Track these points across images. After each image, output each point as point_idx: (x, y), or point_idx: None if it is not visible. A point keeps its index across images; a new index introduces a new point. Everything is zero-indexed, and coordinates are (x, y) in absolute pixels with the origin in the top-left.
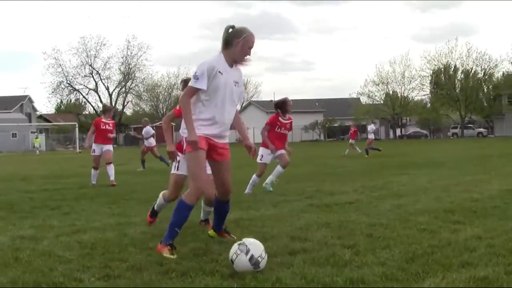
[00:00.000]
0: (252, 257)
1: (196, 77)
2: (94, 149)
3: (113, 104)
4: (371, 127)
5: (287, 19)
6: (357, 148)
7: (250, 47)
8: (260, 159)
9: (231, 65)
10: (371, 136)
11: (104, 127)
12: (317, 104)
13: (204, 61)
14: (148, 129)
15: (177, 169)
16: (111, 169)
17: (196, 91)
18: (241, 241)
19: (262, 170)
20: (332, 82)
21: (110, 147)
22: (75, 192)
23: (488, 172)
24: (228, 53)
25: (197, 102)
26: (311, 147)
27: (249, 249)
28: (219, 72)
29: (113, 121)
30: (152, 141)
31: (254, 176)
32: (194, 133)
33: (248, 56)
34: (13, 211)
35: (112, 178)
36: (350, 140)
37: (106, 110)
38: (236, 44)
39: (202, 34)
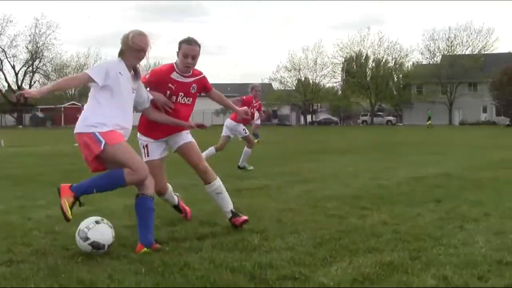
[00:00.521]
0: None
1: (94, 69)
2: None
3: (20, 84)
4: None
5: (200, 3)
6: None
7: (139, 50)
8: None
9: (129, 71)
10: (257, 121)
11: None
12: (229, 88)
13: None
14: None
15: (148, 155)
16: None
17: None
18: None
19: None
20: (244, 67)
21: None
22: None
23: (395, 160)
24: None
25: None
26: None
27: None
28: (120, 73)
29: None
30: None
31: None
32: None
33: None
34: None
35: None
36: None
37: None
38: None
39: (115, 15)
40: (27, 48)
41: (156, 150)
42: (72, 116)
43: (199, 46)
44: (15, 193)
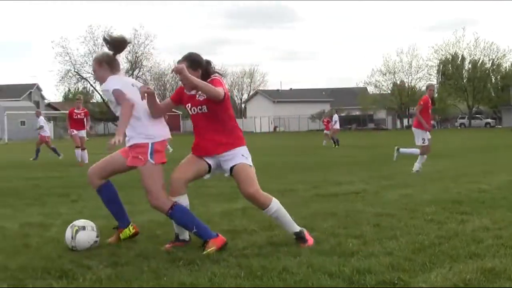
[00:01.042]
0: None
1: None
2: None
3: None
4: (335, 117)
5: (292, 8)
6: (325, 140)
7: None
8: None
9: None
10: (337, 126)
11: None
12: (323, 93)
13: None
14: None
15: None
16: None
17: None
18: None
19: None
20: (339, 71)
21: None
22: (83, 179)
23: (495, 163)
24: None
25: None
26: (318, 137)
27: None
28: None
29: (85, 110)
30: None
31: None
32: None
33: None
34: (20, 198)
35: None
36: (325, 131)
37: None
38: None
39: (207, 24)
40: (127, 58)
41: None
42: (171, 123)
43: (187, 60)
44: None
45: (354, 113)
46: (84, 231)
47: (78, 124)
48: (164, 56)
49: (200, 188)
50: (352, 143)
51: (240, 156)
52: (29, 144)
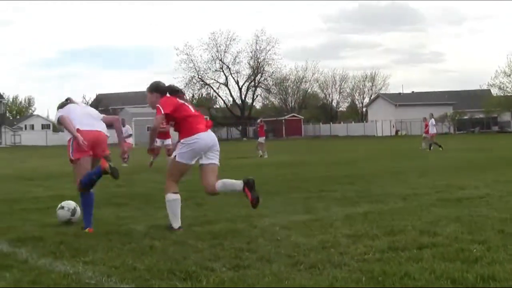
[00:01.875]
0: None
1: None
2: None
3: (243, 98)
4: (432, 121)
5: (414, 9)
6: (423, 144)
7: None
8: None
9: None
10: (433, 130)
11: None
12: (446, 96)
13: None
14: (126, 129)
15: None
16: None
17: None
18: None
19: None
20: (461, 73)
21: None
22: None
23: None
24: None
25: None
26: (441, 140)
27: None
28: None
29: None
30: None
31: None
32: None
33: None
34: (148, 201)
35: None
36: (424, 134)
37: None
38: None
39: (328, 27)
40: (249, 64)
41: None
42: (293, 127)
43: (149, 90)
44: (241, 202)
45: (478, 116)
46: (62, 210)
47: (161, 133)
48: (286, 61)
49: (323, 192)
50: (476, 146)
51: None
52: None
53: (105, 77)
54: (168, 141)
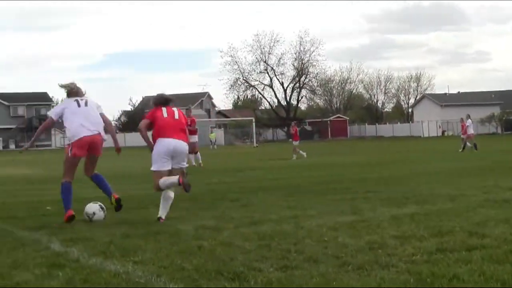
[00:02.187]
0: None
1: None
2: None
3: (288, 99)
4: (469, 122)
5: (459, 9)
6: (467, 144)
7: None
8: None
9: None
10: (470, 131)
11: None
12: (493, 96)
13: None
14: None
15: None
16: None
17: None
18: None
19: None
20: (508, 73)
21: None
22: (253, 185)
23: None
24: None
25: None
26: (488, 141)
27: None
28: None
29: (192, 118)
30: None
31: None
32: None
33: None
34: (195, 202)
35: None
36: (462, 135)
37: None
38: None
39: (372, 28)
40: (293, 65)
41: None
42: (338, 128)
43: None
44: (288, 203)
45: None
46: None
47: (189, 131)
48: (330, 62)
49: (369, 193)
50: None
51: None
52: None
53: (151, 80)
54: (195, 138)
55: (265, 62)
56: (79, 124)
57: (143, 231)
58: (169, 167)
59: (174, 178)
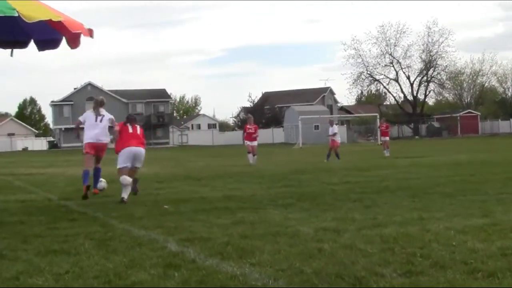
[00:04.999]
0: None
1: None
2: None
3: (415, 94)
4: None
5: None
6: None
7: None
8: None
9: None
10: None
11: (248, 130)
12: None
13: None
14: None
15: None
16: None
17: None
18: None
19: None
20: None
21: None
22: (376, 185)
23: None
24: None
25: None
26: None
27: None
28: None
29: (255, 126)
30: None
31: None
32: None
33: None
34: (316, 203)
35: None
36: None
37: (248, 119)
38: None
39: (508, 15)
40: (420, 57)
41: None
42: (468, 125)
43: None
44: (413, 204)
45: None
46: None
47: (250, 136)
48: (461, 54)
49: (502, 194)
50: None
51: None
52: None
53: (271, 75)
54: (255, 143)
55: (390, 54)
56: (93, 135)
57: (262, 231)
58: (129, 165)
59: (129, 182)
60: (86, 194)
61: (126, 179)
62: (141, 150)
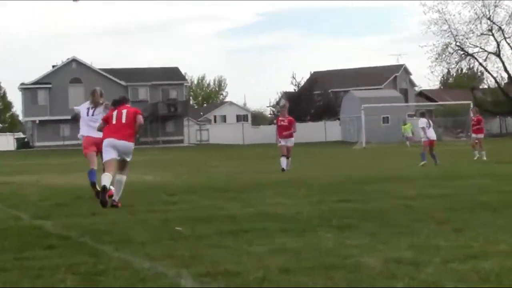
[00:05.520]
0: None
1: None
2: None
3: None
4: None
5: None
6: None
7: None
8: None
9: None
10: None
11: (280, 123)
12: None
13: None
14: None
15: None
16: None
17: None
18: None
19: None
20: None
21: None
22: (472, 199)
23: None
24: None
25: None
26: None
27: None
28: None
29: (289, 118)
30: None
31: None
32: None
33: None
34: (385, 223)
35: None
36: None
37: (281, 108)
38: None
39: None
40: None
41: None
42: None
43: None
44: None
45: None
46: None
47: (283, 131)
48: None
49: None
50: None
51: None
52: (393, 148)
53: (324, 49)
54: (290, 142)
55: (489, 19)
56: (85, 129)
57: (310, 263)
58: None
59: (107, 183)
60: (99, 192)
61: (107, 176)
62: (126, 144)
